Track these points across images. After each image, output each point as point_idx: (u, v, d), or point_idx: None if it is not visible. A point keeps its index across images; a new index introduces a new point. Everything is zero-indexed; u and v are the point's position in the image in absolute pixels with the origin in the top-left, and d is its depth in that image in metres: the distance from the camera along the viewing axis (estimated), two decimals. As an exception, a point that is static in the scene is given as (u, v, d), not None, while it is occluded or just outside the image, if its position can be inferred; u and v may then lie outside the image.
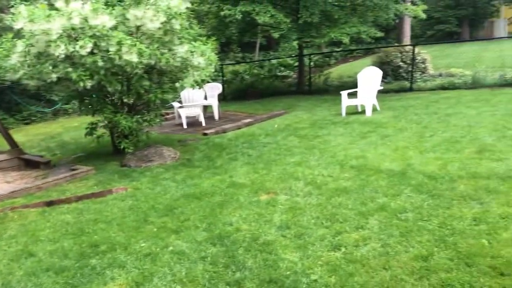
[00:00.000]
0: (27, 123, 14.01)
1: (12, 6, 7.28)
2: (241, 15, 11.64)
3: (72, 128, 12.85)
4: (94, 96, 7.67)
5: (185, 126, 10.93)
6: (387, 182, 5.28)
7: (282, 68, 19.47)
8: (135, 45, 6.68)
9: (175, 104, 11.34)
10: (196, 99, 11.18)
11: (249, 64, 20.11)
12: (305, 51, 15.99)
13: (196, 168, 7.04)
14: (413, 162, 5.94)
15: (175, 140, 9.12)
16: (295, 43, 12.86)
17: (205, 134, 9.61)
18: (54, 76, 6.85)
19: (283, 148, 7.52)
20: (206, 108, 12.12)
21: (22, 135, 12.35)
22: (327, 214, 4.46)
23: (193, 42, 7.54)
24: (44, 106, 14.74)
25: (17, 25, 6.92)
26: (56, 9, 6.63)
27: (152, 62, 7.10)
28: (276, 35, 13.87)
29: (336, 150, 6.96)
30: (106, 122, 7.72)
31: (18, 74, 7.21)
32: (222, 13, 11.84)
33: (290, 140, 8.11)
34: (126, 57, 6.63)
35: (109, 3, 7.34)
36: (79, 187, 6.55)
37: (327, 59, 23.41)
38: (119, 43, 6.63)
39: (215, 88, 12.19)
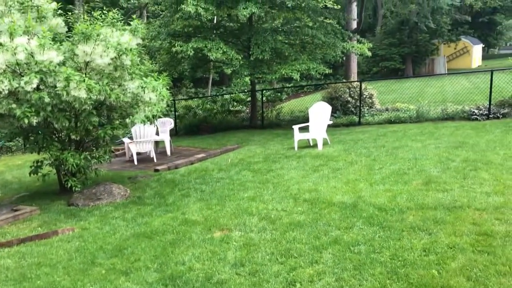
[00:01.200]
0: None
1: None
2: (193, 52, 11.73)
3: (15, 166, 12.26)
4: (40, 133, 7.38)
5: (135, 162, 10.69)
6: (339, 215, 5.34)
7: (235, 103, 19.68)
8: (83, 80, 6.54)
9: (126, 140, 11.12)
10: (148, 135, 11.01)
11: (202, 99, 20.20)
12: (257, 87, 16.28)
13: (147, 205, 6.85)
14: (364, 194, 6.06)
15: (125, 177, 8.89)
16: (247, 79, 13.09)
17: (156, 170, 9.43)
18: (-5, 113, 6.56)
19: (237, 183, 7.48)
20: (158, 144, 11.96)
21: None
22: (282, 250, 4.43)
23: (144, 78, 7.48)
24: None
25: None
26: (0, 44, 6.43)
27: (102, 98, 6.96)
28: (228, 71, 14.09)
29: (289, 184, 7.01)
30: (52, 159, 7.42)
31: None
32: (174, 49, 11.89)
33: (244, 174, 8.10)
34: (74, 93, 6.47)
35: (56, 39, 7.21)
36: (21, 229, 6.19)
37: (279, 94, 23.91)
38: (67, 79, 6.48)
39: (167, 123, 12.09)
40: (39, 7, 7.39)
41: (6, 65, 6.30)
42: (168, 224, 5.69)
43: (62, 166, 7.42)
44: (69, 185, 7.36)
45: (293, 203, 6.01)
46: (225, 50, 11.98)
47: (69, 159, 7.16)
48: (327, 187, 6.61)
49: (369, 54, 14.52)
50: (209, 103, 19.45)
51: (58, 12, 7.65)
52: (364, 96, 14.05)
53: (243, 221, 5.44)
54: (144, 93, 7.43)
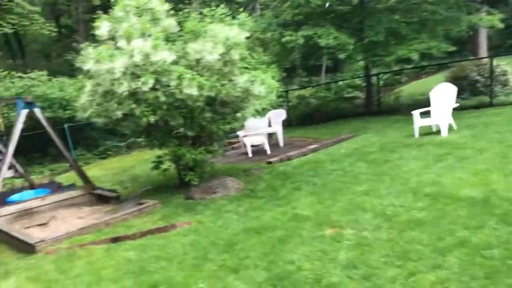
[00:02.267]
0: (103, 158, 14.68)
1: (82, 49, 7.68)
2: (303, 40, 11.48)
3: (144, 161, 13.21)
4: (159, 130, 7.78)
5: (250, 154, 10.83)
6: (467, 212, 4.73)
7: (350, 90, 18.99)
8: (194, 78, 6.71)
9: (240, 133, 11.31)
10: (260, 127, 11.07)
11: (315, 88, 19.85)
12: (373, 71, 15.45)
13: (259, 199, 6.83)
14: (497, 187, 5.31)
15: (240, 170, 9.01)
16: (361, 63, 12.45)
17: (269, 162, 9.42)
18: (119, 113, 7.04)
19: (350, 175, 7.11)
20: (271, 136, 11.97)
21: (99, 169, 12.93)
22: (399, 251, 4.03)
23: (252, 71, 7.45)
24: (119, 141, 15.39)
25: (86, 66, 7.26)
26: (119, 48, 6.87)
27: (213, 94, 7.09)
28: (342, 56, 13.57)
29: (408, 176, 6.44)
30: (171, 155, 7.78)
31: (87, 112, 7.53)
32: (283, 39, 11.76)
33: (358, 166, 7.68)
34: (186, 90, 6.67)
35: (169, 39, 7.49)
36: (145, 222, 6.57)
37: (397, 77, 22.55)
38: (179, 78, 6.70)
39: (280, 115, 12.04)
40: (153, 10, 7.74)
41: (124, 68, 6.71)
42: (278, 219, 5.58)
43: (180, 161, 7.74)
44: (187, 179, 7.66)
45: (412, 198, 5.49)
46: (336, 35, 11.52)
47: (186, 154, 7.44)
48: (452, 180, 5.93)
49: (501, 25, 12.86)
50: (322, 91, 19.05)
51: (170, 13, 7.95)
52: (496, 73, 12.51)
53: (356, 217, 5.10)
54: (253, 86, 7.41)
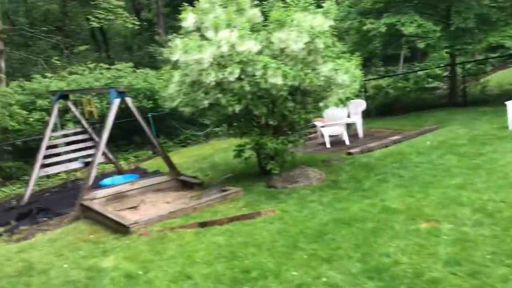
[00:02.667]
0: (183, 146, 15.18)
1: (169, 40, 7.96)
2: (385, 28, 11.09)
3: (221, 149, 13.48)
4: (241, 119, 7.89)
5: (328, 145, 10.69)
6: None
7: (430, 80, 18.10)
8: (279, 67, 6.71)
9: (318, 123, 11.19)
10: (339, 117, 10.88)
11: (393, 78, 19.14)
12: (457, 60, 14.61)
13: (343, 190, 6.74)
14: None
15: (319, 160, 8.92)
16: (444, 52, 11.79)
17: (349, 153, 9.24)
18: (206, 103, 7.23)
19: (440, 169, 6.80)
20: (349, 126, 11.73)
21: (179, 157, 13.38)
22: (507, 249, 3.79)
23: (337, 60, 7.32)
24: (197, 130, 15.84)
25: (174, 57, 7.51)
26: (206, 39, 7.02)
27: (296, 83, 7.06)
28: (421, 45, 12.98)
29: (507, 171, 6.04)
30: (253, 144, 7.87)
31: (175, 102, 7.81)
32: (365, 27, 11.42)
33: (447, 159, 7.32)
34: (271, 80, 6.70)
35: (254, 29, 7.54)
36: (229, 208, 6.72)
37: (482, 66, 21.16)
38: (265, 67, 6.74)
39: (359, 105, 11.74)
40: (238, 1, 7.83)
41: (212, 58, 6.86)
42: (366, 210, 5.47)
43: (261, 150, 7.81)
44: (268, 168, 7.72)
45: (514, 193, 5.14)
46: (420, 22, 11.01)
47: (267, 143, 7.50)
48: (559, 175, 5.48)
49: None
50: (400, 81, 18.34)
51: (254, 3, 8.01)
52: None
53: (453, 212, 4.87)
54: (337, 75, 7.29)
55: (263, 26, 7.74)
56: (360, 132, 11.30)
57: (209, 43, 6.79)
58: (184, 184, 8.72)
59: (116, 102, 8.04)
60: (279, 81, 6.69)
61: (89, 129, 10.60)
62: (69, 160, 10.64)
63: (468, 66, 18.34)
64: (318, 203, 6.23)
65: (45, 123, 12.05)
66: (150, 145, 15.17)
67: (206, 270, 4.56)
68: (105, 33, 27.21)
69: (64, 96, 10.19)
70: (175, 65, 7.83)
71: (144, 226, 6.36)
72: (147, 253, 5.40)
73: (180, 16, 7.94)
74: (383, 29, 11.06)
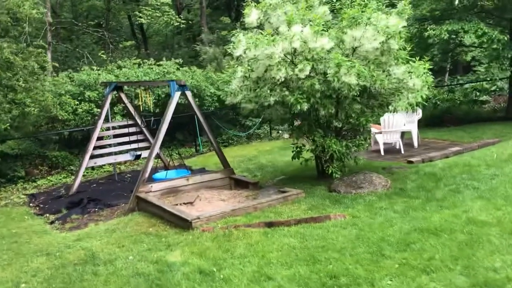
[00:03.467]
0: (225, 146, 15.02)
1: (233, 35, 7.79)
2: (447, 35, 10.67)
3: (265, 151, 13.25)
4: (305, 119, 7.62)
5: (382, 153, 10.32)
6: None
7: (478, 93, 17.48)
8: (354, 66, 6.44)
9: (373, 129, 10.83)
10: (397, 125, 10.49)
11: (437, 89, 18.56)
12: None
13: (414, 199, 6.39)
14: None
15: (378, 167, 8.57)
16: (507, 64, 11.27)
17: (410, 162, 8.87)
18: (272, 100, 7.00)
19: (521, 182, 6.38)
20: (403, 135, 11.33)
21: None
22: None
23: (411, 62, 7.01)
24: (239, 131, 15.67)
25: (237, 52, 7.33)
26: (277, 33, 6.80)
27: (368, 84, 6.77)
28: (468, 58, 12.38)
29: None
30: (314, 146, 7.59)
31: (237, 98, 7.62)
32: (426, 33, 11.03)
33: (524, 172, 6.89)
34: (345, 79, 6.42)
35: (323, 26, 7.29)
36: (293, 210, 6.45)
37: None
38: (338, 65, 6.47)
39: (415, 113, 11.33)
40: (308, -3, 7.59)
41: (284, 54, 6.63)
42: (450, 221, 5.12)
43: (324, 152, 7.53)
44: (330, 171, 7.42)
45: None
46: (486, 31, 10.56)
47: (332, 145, 7.21)
48: None
49: None
50: (445, 92, 17.75)
51: (324, 1, 7.77)
52: None
53: (557, 228, 4.48)
54: (410, 78, 6.96)
55: (333, 24, 7.51)
56: (416, 141, 10.89)
57: (282, 38, 6.56)
58: (237, 183, 8.50)
59: (177, 95, 7.89)
60: (353, 80, 6.41)
61: (140, 122, 10.52)
62: (119, 152, 10.59)
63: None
64: (390, 211, 5.90)
65: (94, 115, 12.15)
66: (192, 142, 15.11)
67: (287, 272, 4.31)
68: (145, 31, 27.47)
69: (118, 87, 10.15)
70: (238, 61, 7.66)
71: (206, 222, 6.16)
72: (215, 250, 5.18)
73: (244, 12, 7.79)
74: (445, 35, 10.64)
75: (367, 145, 8.01)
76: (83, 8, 25.92)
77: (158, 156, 11.05)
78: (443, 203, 5.92)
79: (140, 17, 18.70)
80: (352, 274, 4.02)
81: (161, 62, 14.61)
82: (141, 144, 10.73)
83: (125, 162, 12.22)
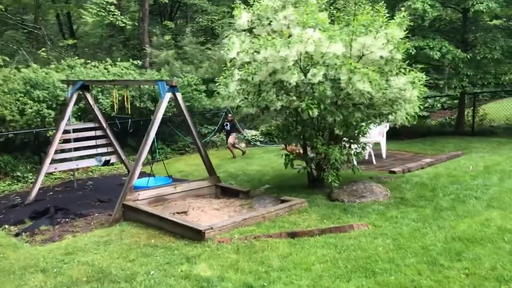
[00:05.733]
0: (181, 153, 14.40)
1: (226, 37, 7.44)
2: (414, 51, 11.08)
3: (228, 160, 12.83)
4: (308, 126, 7.40)
5: (355, 163, 10.37)
6: None
7: (430, 107, 18.48)
8: (367, 74, 6.37)
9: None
10: (372, 136, 10.65)
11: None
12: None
13: (421, 208, 6.42)
14: None
15: (365, 177, 8.56)
16: (463, 82, 11.93)
17: (392, 172, 9.01)
18: (279, 105, 6.71)
19: (517, 192, 6.67)
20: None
21: (184, 164, 12.59)
22: None
23: (412, 73, 7.10)
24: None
25: (231, 55, 7.02)
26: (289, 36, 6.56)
27: (373, 92, 6.74)
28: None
29: None
30: (314, 153, 7.40)
31: (236, 101, 7.24)
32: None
33: (513, 183, 7.23)
34: (359, 86, 6.32)
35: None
36: (305, 220, 6.18)
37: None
38: (352, 71, 6.37)
39: (383, 125, 11.61)
40: (308, 2, 7.44)
41: (297, 57, 6.40)
42: (480, 230, 5.17)
43: (324, 160, 7.37)
44: (329, 180, 7.25)
45: None
46: (449, 48, 11.15)
47: (335, 153, 7.07)
48: None
49: None
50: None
51: (322, 7, 7.67)
52: None
53: None
54: (413, 88, 7.03)
55: (335, 30, 7.42)
56: (384, 153, 11.14)
57: (296, 40, 6.32)
58: (224, 191, 8.07)
59: (167, 96, 7.33)
60: (367, 87, 6.33)
61: (105, 125, 9.69)
62: (82, 158, 9.66)
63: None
64: (408, 220, 5.85)
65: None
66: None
67: (348, 285, 4.02)
68: (75, 32, 25.95)
69: (83, 87, 9.27)
70: (232, 63, 7.32)
71: (218, 233, 5.69)
72: (247, 263, 4.77)
73: (234, 14, 7.52)
74: (412, 51, 11.04)
75: (363, 153, 7.97)
76: (7, 2, 23.84)
77: (122, 161, 10.29)
78: (457, 212, 5.99)
79: (86, 15, 17.50)
80: (422, 285, 3.85)
81: (117, 63, 13.69)
82: (106, 149, 9.87)
83: (78, 169, 11.12)
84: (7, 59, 13.40)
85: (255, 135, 15.05)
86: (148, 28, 23.33)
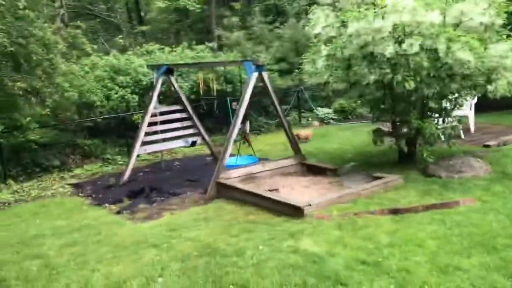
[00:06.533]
0: (257, 134, 14.50)
1: (308, 13, 7.30)
2: None
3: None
4: (400, 100, 7.15)
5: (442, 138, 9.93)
6: None
7: None
8: (468, 42, 6.01)
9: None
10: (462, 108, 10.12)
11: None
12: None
13: (529, 182, 6.03)
14: None
15: (458, 152, 8.14)
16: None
17: (487, 146, 8.54)
18: (371, 78, 6.52)
19: None
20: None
21: (262, 144, 12.66)
22: None
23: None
24: (267, 118, 15.14)
25: (316, 30, 6.87)
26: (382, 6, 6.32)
27: (473, 61, 6.34)
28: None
29: None
30: (407, 128, 7.15)
31: (324, 77, 7.14)
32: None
33: None
34: (460, 55, 5.98)
35: None
36: (404, 196, 6.02)
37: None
38: (451, 40, 6.03)
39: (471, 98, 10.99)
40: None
41: (392, 28, 6.16)
42: None
43: (418, 136, 7.11)
44: (424, 155, 6.98)
45: None
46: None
47: (430, 128, 6.79)
48: None
49: None
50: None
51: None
52: None
53: None
54: (508, 57, 6.55)
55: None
56: (472, 127, 10.55)
57: (392, 10, 6.08)
58: (310, 169, 8.03)
59: (254, 76, 7.34)
60: (468, 56, 5.98)
61: (189, 108, 9.93)
62: (170, 139, 9.98)
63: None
64: (519, 195, 5.53)
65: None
66: (221, 131, 14.47)
67: (470, 261, 3.87)
68: (142, 18, 26.71)
69: (168, 71, 9.51)
70: (318, 38, 7.19)
71: (316, 210, 5.68)
72: (353, 239, 4.73)
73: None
74: None
75: (460, 127, 7.61)
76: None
77: (206, 143, 10.51)
78: None
79: (155, 1, 17.96)
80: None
81: (193, 47, 13.95)
82: (191, 131, 10.13)
83: (166, 150, 11.48)
84: (95, 47, 14.01)
85: (328, 113, 14.84)
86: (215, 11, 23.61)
